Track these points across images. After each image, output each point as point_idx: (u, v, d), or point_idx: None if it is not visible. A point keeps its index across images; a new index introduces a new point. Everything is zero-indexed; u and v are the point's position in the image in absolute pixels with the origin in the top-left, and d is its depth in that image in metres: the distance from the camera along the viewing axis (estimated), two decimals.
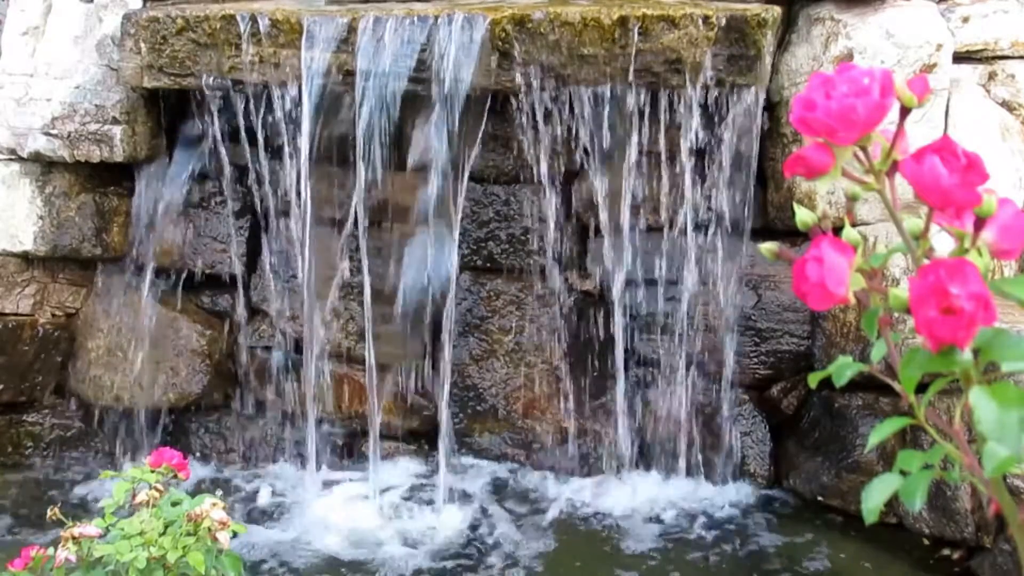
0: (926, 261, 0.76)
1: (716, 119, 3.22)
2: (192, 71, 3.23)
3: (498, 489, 3.41)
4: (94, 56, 3.48)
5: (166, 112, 3.55)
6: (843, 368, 0.83)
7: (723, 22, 3.00)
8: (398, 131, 3.19)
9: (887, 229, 3.05)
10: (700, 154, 3.27)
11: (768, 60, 3.12)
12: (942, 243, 0.79)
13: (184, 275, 3.59)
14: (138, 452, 3.50)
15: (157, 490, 1.76)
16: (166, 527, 1.70)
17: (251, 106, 3.27)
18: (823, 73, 0.77)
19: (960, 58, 3.29)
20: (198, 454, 3.60)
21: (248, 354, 3.64)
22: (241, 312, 3.63)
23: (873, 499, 0.78)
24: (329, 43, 3.08)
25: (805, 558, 3.02)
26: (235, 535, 1.74)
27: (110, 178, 3.58)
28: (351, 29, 3.07)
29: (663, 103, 3.16)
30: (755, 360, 3.38)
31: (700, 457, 3.41)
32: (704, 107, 3.16)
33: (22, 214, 3.54)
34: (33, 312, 3.59)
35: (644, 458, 3.44)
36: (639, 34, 2.99)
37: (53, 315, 3.62)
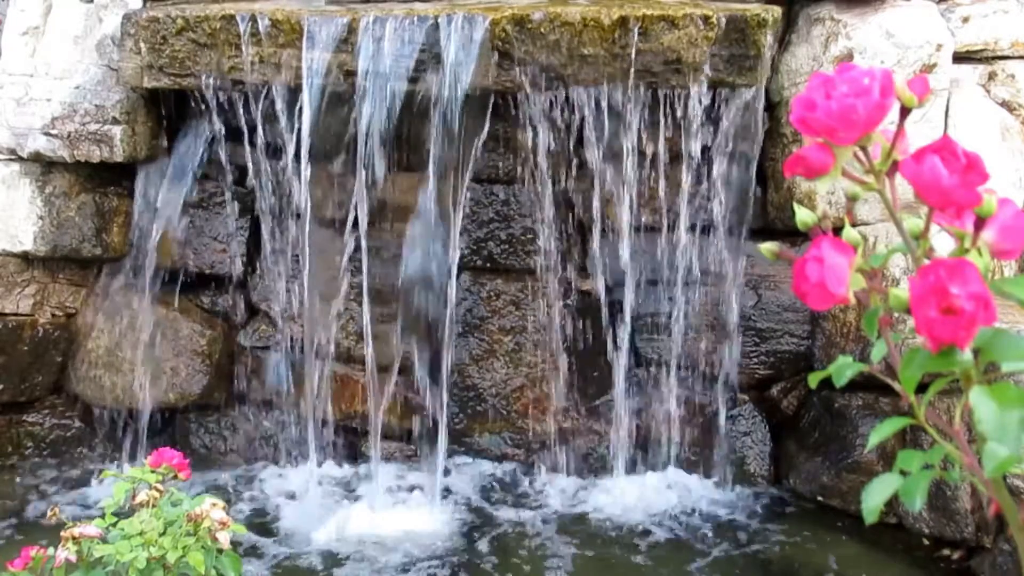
0: (926, 261, 0.76)
1: (716, 119, 3.22)
2: (192, 71, 3.23)
3: (498, 489, 3.41)
4: (94, 56, 3.48)
5: (166, 112, 3.55)
6: (843, 368, 0.83)
7: (723, 22, 3.00)
8: (398, 131, 3.18)
9: (887, 229, 3.05)
10: (700, 154, 3.27)
11: (768, 60, 3.12)
12: (942, 243, 0.79)
13: (184, 275, 3.59)
14: (138, 452, 3.50)
15: (157, 490, 1.75)
16: (166, 527, 1.70)
17: (251, 106, 3.27)
18: (823, 73, 0.77)
19: (960, 58, 3.29)
20: (198, 454, 3.59)
21: (248, 354, 3.64)
22: (241, 312, 3.63)
23: (873, 499, 0.78)
24: (329, 43, 3.08)
25: (805, 558, 3.02)
26: (235, 535, 1.73)
27: (110, 178, 3.58)
28: (351, 29, 3.07)
29: (663, 103, 3.16)
30: (755, 360, 3.38)
31: (700, 457, 3.41)
32: (704, 107, 3.15)
33: (22, 214, 3.54)
34: (33, 312, 3.59)
35: (644, 458, 3.44)
36: (639, 34, 2.99)
37: (53, 315, 3.61)
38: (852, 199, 0.81)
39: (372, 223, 3.35)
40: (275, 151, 3.37)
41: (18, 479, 3.47)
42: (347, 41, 3.08)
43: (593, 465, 3.46)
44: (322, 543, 3.09)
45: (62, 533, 1.70)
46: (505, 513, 3.26)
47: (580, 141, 3.29)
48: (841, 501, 3.18)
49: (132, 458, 3.50)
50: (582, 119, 3.19)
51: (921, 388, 0.76)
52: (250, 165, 3.47)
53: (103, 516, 1.74)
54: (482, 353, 3.54)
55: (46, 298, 3.62)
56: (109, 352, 3.58)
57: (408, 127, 3.31)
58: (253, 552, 3.01)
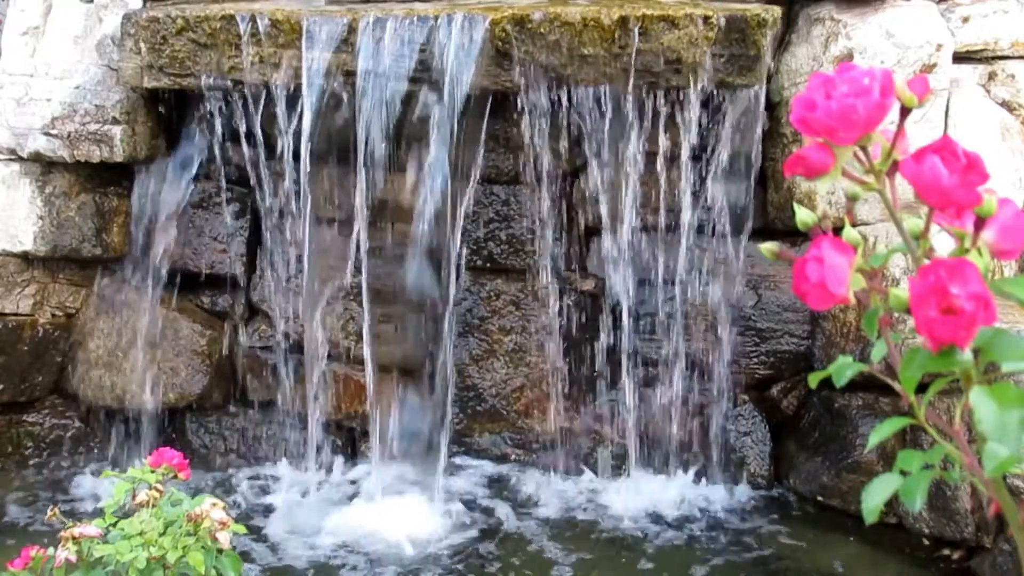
0: (926, 261, 0.76)
1: (716, 119, 3.22)
2: (192, 71, 3.23)
3: (498, 489, 3.40)
4: (94, 56, 3.48)
5: (166, 112, 3.55)
6: (843, 368, 0.83)
7: (723, 22, 3.00)
8: (398, 131, 3.18)
9: (887, 229, 3.05)
10: (700, 154, 3.27)
11: (768, 60, 3.12)
12: (942, 243, 0.79)
13: (184, 275, 3.59)
14: (138, 452, 3.50)
15: (157, 490, 1.75)
16: (166, 527, 1.70)
17: (251, 106, 3.27)
18: (823, 73, 0.77)
19: (960, 58, 3.29)
20: (198, 454, 3.59)
21: (248, 354, 3.64)
22: (241, 312, 3.63)
23: (873, 499, 0.78)
24: (329, 43, 3.08)
25: (805, 558, 3.02)
26: (234, 535, 1.73)
27: (110, 178, 3.58)
28: (351, 29, 3.07)
29: (663, 103, 3.16)
30: (755, 360, 3.38)
31: (700, 457, 3.41)
32: (704, 107, 3.16)
33: (22, 214, 3.54)
34: (33, 312, 3.58)
35: (644, 458, 3.44)
36: (639, 34, 2.99)
37: (53, 315, 3.61)
38: (852, 199, 0.81)
39: (372, 223, 3.36)
40: (275, 151, 3.37)
41: (18, 479, 3.47)
42: (347, 41, 3.07)
43: (593, 465, 3.46)
44: (321, 543, 3.09)
45: (62, 533, 1.70)
46: (505, 514, 3.25)
47: (580, 141, 3.29)
48: (841, 501, 3.18)
49: (132, 458, 3.50)
50: (582, 119, 3.19)
51: (921, 388, 0.76)
52: (250, 165, 3.46)
53: (103, 516, 1.74)
54: (482, 353, 3.54)
55: (46, 298, 3.62)
56: (109, 352, 3.58)
57: (408, 127, 3.31)
58: (252, 552, 3.01)
